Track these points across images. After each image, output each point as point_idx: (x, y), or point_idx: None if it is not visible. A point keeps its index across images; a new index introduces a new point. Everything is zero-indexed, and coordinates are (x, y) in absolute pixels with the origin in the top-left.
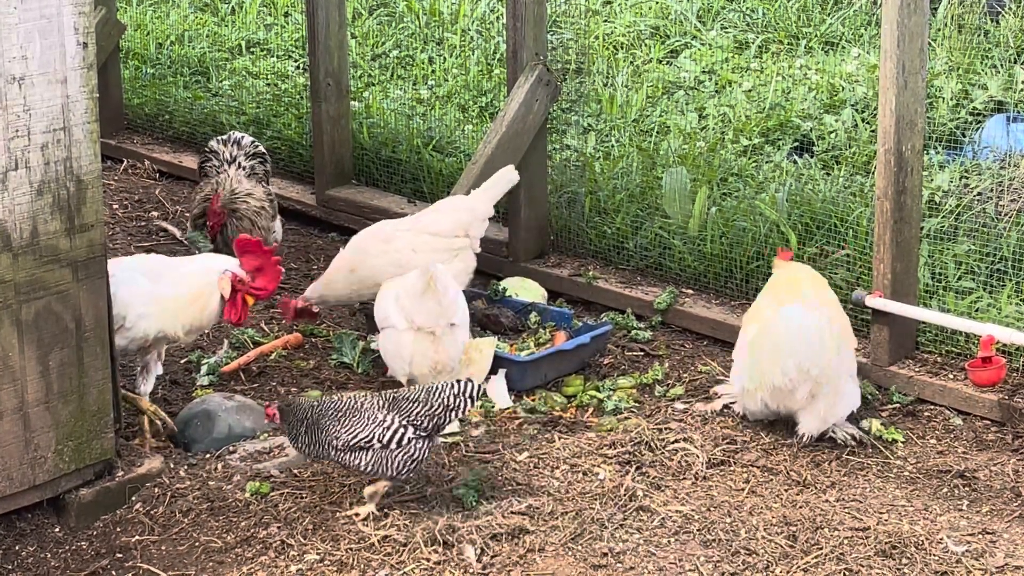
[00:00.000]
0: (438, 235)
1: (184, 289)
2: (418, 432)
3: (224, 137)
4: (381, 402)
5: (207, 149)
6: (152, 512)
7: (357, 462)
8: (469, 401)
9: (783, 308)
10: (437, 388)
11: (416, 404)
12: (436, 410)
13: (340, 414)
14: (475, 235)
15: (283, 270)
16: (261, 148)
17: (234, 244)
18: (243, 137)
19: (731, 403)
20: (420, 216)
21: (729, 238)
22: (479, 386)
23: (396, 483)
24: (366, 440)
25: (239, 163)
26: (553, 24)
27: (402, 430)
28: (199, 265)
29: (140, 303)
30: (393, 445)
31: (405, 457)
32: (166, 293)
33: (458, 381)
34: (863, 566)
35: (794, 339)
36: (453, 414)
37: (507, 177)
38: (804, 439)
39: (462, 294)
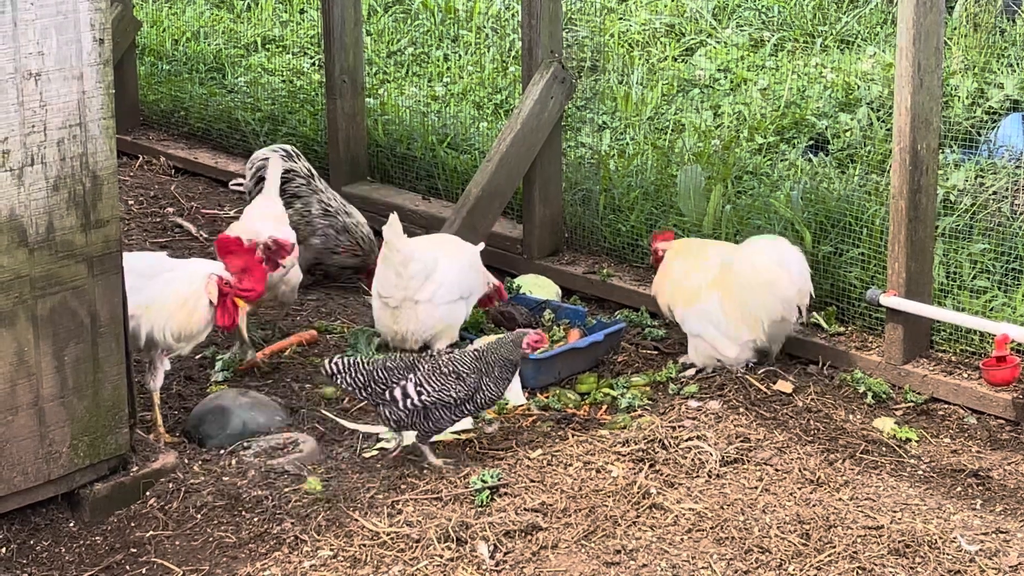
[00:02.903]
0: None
1: (170, 295)
2: None
3: (280, 153)
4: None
5: (287, 171)
6: (166, 507)
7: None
8: None
9: (750, 253)
10: None
11: None
12: None
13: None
14: None
15: (267, 269)
16: None
17: (216, 243)
18: (282, 148)
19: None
20: (242, 219)
21: (743, 236)
22: None
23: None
24: None
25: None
26: (568, 21)
27: None
28: (184, 271)
29: (130, 304)
30: None
31: None
32: (152, 298)
33: None
34: (876, 565)
35: (791, 267)
36: None
37: None
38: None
39: (454, 270)
